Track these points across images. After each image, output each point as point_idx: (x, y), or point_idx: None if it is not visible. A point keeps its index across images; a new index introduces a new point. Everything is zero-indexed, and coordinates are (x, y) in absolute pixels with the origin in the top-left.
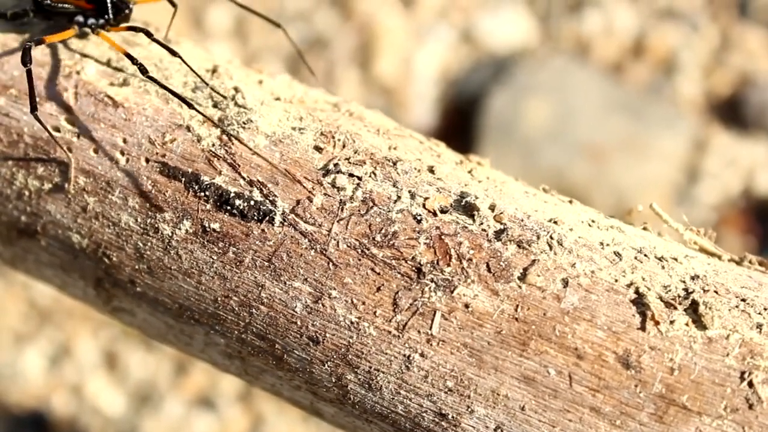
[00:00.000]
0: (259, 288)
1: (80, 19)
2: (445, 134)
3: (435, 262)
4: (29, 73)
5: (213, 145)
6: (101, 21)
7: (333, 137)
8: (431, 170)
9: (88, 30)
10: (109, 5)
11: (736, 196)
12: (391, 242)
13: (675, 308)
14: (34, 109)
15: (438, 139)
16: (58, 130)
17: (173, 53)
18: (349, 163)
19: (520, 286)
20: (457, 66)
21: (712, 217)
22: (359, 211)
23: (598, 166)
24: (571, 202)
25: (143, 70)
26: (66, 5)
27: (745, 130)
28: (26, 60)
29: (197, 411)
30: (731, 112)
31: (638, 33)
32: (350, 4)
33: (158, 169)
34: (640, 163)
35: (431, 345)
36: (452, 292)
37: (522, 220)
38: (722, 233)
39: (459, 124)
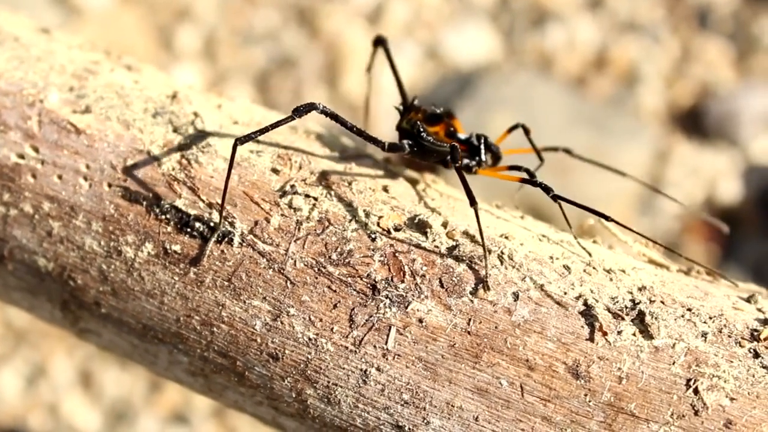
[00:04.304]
0: (220, 307)
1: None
2: None
3: (389, 278)
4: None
5: (173, 169)
6: (473, 163)
7: (290, 159)
8: (385, 189)
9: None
10: (482, 150)
11: (699, 204)
12: (347, 260)
13: (622, 319)
14: (473, 203)
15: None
16: (22, 157)
17: (558, 198)
18: (306, 184)
19: (472, 301)
20: (423, 82)
21: (676, 226)
22: (315, 230)
23: (562, 178)
24: (522, 217)
25: (547, 189)
26: (444, 144)
27: (706, 139)
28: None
29: (172, 428)
30: (693, 122)
31: (600, 46)
32: (317, 23)
33: (120, 194)
34: (604, 175)
35: (387, 359)
36: (406, 307)
37: (474, 236)
38: (685, 242)
39: None
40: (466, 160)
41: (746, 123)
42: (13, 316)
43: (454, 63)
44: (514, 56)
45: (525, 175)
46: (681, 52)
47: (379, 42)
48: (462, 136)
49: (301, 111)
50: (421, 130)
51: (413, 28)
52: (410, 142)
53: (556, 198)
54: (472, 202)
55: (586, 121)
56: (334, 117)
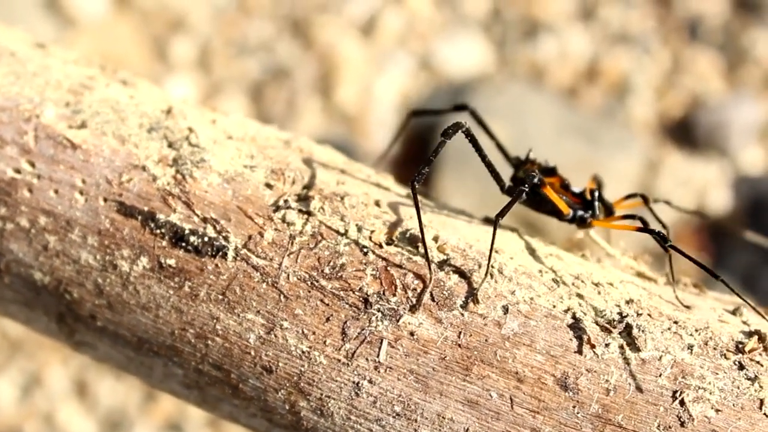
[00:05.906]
0: (214, 320)
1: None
2: (405, 160)
3: (381, 292)
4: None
5: (168, 183)
6: (587, 215)
7: (283, 174)
8: (378, 204)
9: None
10: (596, 204)
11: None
12: (339, 274)
13: (610, 332)
14: (499, 217)
15: (398, 165)
16: (19, 171)
17: (673, 248)
18: (299, 198)
19: (462, 314)
20: (416, 93)
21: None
22: (308, 244)
23: None
24: (513, 230)
25: (664, 239)
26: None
27: (696, 150)
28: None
29: None
30: (683, 132)
31: (592, 58)
32: (311, 34)
33: (116, 208)
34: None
35: (379, 372)
36: (398, 320)
37: (464, 250)
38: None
39: (419, 150)
40: (580, 212)
41: (736, 133)
42: (8, 327)
43: (446, 74)
44: (507, 67)
45: (639, 224)
46: (671, 64)
47: (463, 108)
48: (576, 189)
49: (450, 133)
50: (538, 182)
51: (406, 39)
52: (527, 190)
53: (669, 248)
54: (499, 216)
55: (577, 132)
56: (474, 142)
